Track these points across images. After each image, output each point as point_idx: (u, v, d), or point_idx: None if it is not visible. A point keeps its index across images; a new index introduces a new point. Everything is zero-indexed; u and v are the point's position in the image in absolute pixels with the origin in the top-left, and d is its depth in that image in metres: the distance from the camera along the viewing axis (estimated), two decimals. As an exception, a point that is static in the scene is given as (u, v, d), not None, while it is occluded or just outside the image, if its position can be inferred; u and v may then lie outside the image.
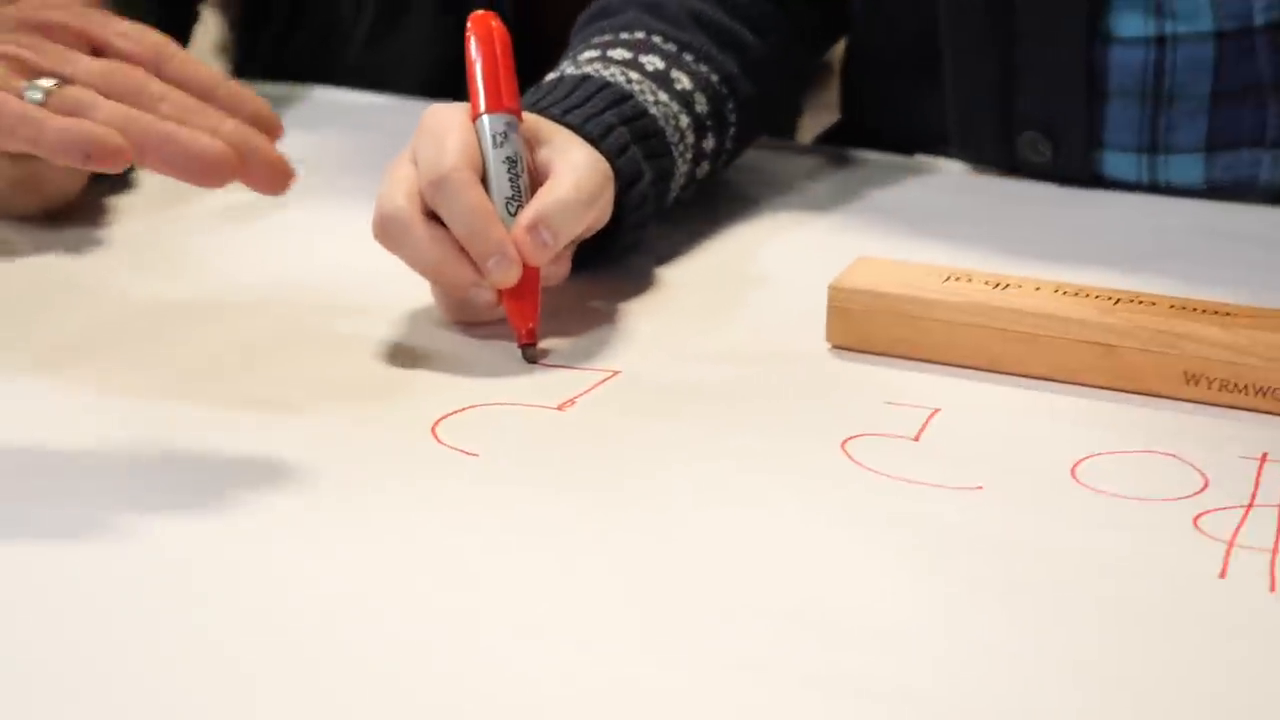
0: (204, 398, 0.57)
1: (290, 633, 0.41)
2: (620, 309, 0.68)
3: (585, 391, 0.58)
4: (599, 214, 0.63)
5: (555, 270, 0.63)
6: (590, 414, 0.57)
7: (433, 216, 0.60)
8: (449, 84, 0.80)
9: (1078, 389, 0.58)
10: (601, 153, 0.64)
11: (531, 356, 0.61)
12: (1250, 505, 0.49)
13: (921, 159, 0.88)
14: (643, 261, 0.73)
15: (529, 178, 0.62)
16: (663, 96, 0.71)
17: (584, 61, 0.71)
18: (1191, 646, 0.42)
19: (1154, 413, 0.57)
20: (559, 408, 0.57)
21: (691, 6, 0.77)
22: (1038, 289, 0.60)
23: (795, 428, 0.56)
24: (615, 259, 0.70)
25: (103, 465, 0.52)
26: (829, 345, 0.63)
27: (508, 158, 0.61)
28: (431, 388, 0.59)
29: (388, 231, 0.60)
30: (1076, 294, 0.60)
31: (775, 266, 0.74)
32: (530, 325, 0.61)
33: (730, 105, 0.76)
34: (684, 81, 0.73)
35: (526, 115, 0.64)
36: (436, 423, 0.55)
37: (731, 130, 0.77)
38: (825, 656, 0.41)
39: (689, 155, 0.73)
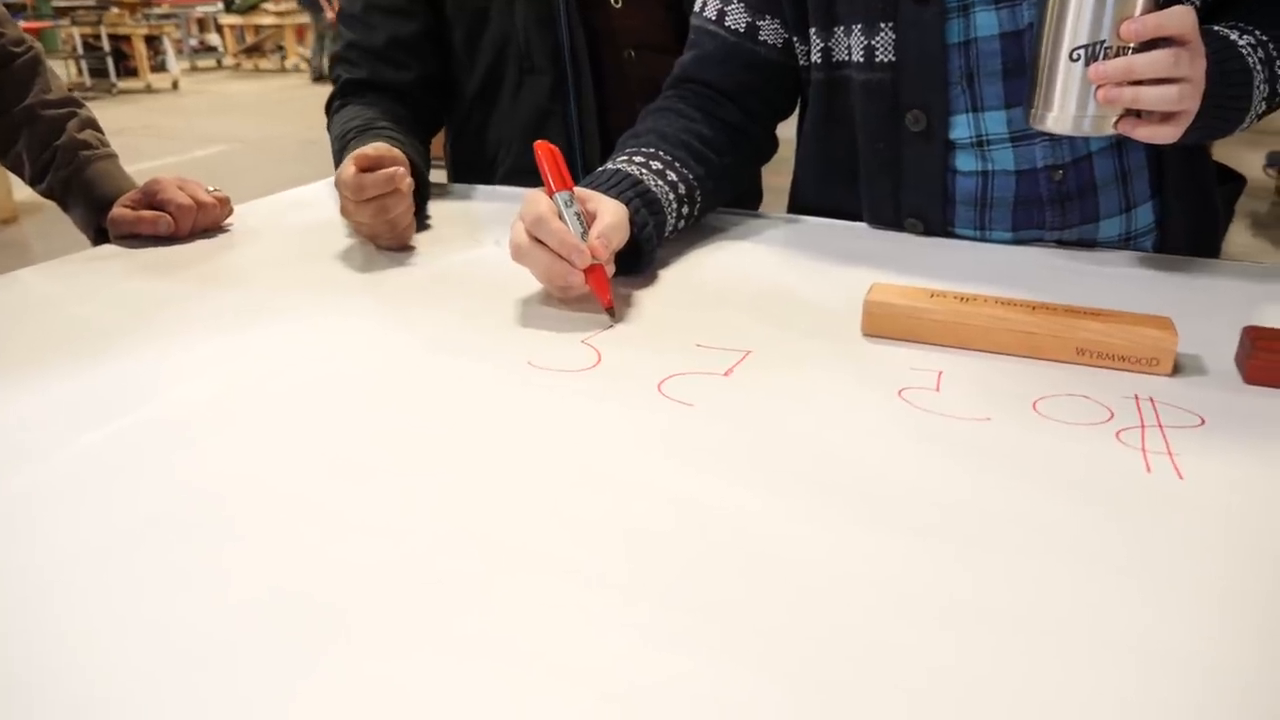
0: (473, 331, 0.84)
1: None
2: (733, 320, 0.97)
3: (737, 364, 0.86)
4: (624, 235, 1.02)
5: (609, 268, 1.02)
6: (744, 377, 0.84)
7: (539, 244, 0.96)
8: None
9: (1016, 358, 0.87)
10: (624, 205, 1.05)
11: (613, 315, 0.97)
12: (1143, 425, 0.74)
13: (846, 223, 1.28)
14: (708, 285, 1.04)
15: (585, 220, 0.99)
16: (660, 182, 1.12)
17: (618, 161, 1.17)
18: (1132, 517, 0.62)
19: (1062, 372, 0.84)
20: (725, 374, 0.84)
21: (681, 138, 1.21)
22: (985, 301, 0.90)
23: (868, 381, 0.83)
24: (638, 269, 1.11)
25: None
26: (863, 334, 0.92)
27: (575, 212, 0.98)
28: (640, 364, 0.86)
29: (518, 255, 0.99)
30: (1008, 304, 0.90)
31: (801, 290, 1.05)
32: (608, 298, 0.97)
33: (698, 191, 1.19)
34: (672, 176, 1.15)
35: (581, 189, 1.03)
36: (660, 383, 0.82)
37: (699, 205, 1.19)
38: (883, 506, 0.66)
39: (674, 215, 1.14)
